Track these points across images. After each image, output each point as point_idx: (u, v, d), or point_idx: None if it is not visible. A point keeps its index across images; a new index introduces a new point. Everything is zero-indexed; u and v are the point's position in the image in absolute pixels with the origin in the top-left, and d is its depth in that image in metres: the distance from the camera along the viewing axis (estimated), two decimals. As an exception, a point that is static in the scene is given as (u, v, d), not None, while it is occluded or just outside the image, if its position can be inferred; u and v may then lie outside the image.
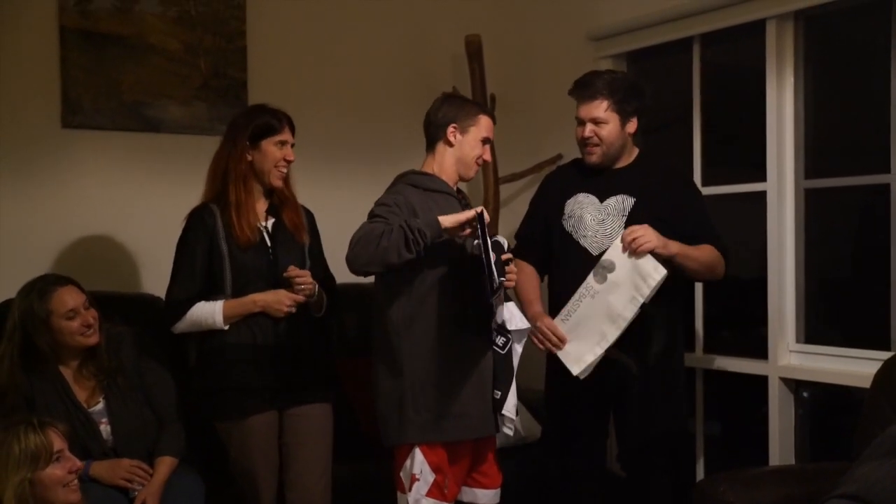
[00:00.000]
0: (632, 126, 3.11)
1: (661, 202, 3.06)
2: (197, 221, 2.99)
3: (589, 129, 3.06)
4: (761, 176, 3.54)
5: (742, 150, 3.77)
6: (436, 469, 2.70)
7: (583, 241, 3.08)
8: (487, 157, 2.90)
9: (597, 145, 3.07)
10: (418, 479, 2.70)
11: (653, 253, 2.90)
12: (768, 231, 3.51)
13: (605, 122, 3.05)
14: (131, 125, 3.69)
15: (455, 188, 2.89)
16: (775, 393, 3.48)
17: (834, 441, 3.49)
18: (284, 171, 3.04)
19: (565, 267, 3.10)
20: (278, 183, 3.03)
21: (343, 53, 4.21)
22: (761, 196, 3.55)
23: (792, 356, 3.50)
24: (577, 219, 3.11)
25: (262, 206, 3.06)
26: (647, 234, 2.88)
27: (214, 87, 3.84)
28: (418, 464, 2.70)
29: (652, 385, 3.06)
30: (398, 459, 2.77)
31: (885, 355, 2.99)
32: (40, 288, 2.92)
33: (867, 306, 3.41)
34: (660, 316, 3.05)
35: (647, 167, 3.15)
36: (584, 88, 3.07)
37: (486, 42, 4.16)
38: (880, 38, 3.24)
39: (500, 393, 2.77)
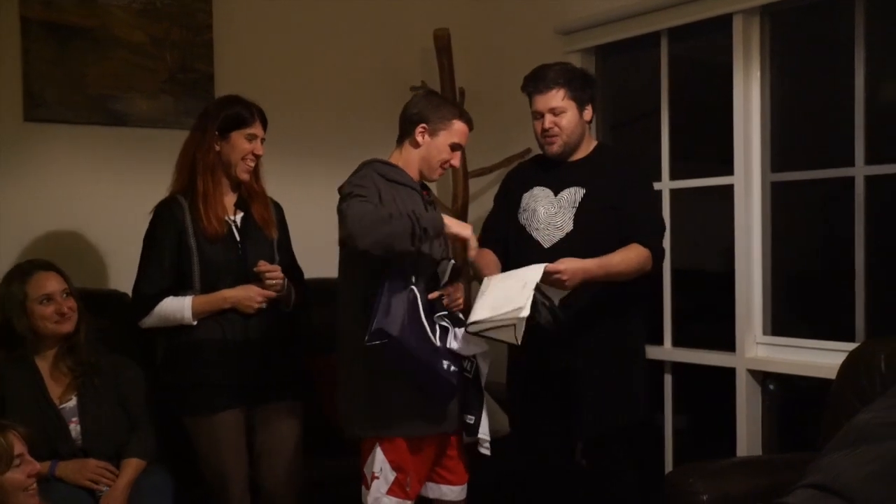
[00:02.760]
0: (588, 114, 3.13)
1: (611, 192, 3.06)
2: (165, 214, 2.95)
3: (549, 119, 3.07)
4: (729, 170, 3.57)
5: (710, 144, 3.80)
6: (396, 468, 2.70)
7: (535, 235, 3.09)
8: (455, 163, 2.87)
9: (557, 135, 3.08)
10: (378, 478, 2.69)
11: None
12: (736, 224, 3.54)
13: (563, 110, 3.06)
14: (96, 119, 3.65)
15: (419, 183, 2.88)
16: (742, 385, 3.51)
17: (801, 432, 3.52)
18: (252, 164, 3.01)
19: (519, 260, 3.07)
20: (245, 177, 3.00)
21: (311, 47, 4.18)
22: (729, 190, 3.57)
23: (759, 348, 3.53)
24: (531, 212, 3.13)
25: (230, 199, 3.04)
26: (570, 273, 2.81)
27: (181, 81, 3.80)
28: (378, 462, 2.70)
29: (607, 377, 3.06)
30: (363, 454, 2.77)
31: (851, 346, 3.03)
32: (24, 270, 2.96)
33: (833, 298, 3.45)
34: (613, 307, 3.06)
35: (602, 158, 3.16)
36: (539, 81, 3.09)
37: (454, 36, 4.15)
38: (844, 34, 3.28)
39: (472, 418, 2.77)
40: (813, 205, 3.58)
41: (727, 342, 3.59)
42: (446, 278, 2.76)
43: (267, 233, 3.05)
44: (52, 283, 2.93)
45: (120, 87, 3.68)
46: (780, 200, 3.53)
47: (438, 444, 2.82)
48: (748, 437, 3.51)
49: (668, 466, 3.84)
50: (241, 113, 2.97)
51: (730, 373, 3.56)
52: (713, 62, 3.71)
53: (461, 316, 2.78)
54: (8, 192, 3.48)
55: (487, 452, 2.82)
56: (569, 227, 3.05)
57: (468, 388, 2.78)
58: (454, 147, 2.84)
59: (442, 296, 2.75)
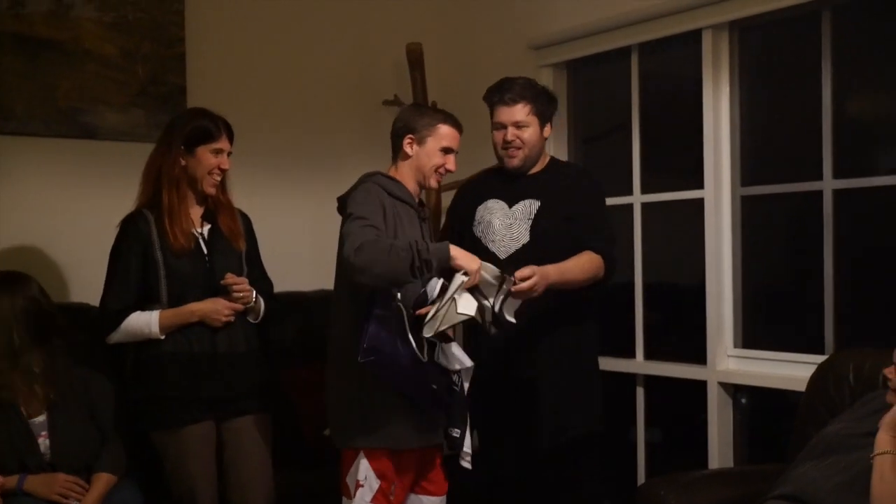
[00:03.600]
0: (547, 131, 3.19)
1: (565, 204, 3.11)
2: (130, 229, 2.93)
3: (511, 132, 3.11)
4: (699, 183, 3.59)
5: (680, 158, 3.82)
6: (381, 476, 2.70)
7: (491, 246, 3.12)
8: (450, 166, 2.89)
9: (519, 149, 3.13)
10: (363, 486, 2.69)
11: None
12: (706, 237, 3.56)
13: (527, 125, 3.11)
14: (67, 132, 3.61)
15: (418, 199, 2.90)
16: (714, 397, 3.53)
17: (772, 444, 3.54)
18: (218, 179, 2.99)
19: None
20: (211, 191, 2.99)
21: (283, 60, 4.18)
22: (699, 203, 3.60)
23: (730, 361, 3.55)
24: (486, 224, 3.16)
25: (196, 212, 3.02)
26: (544, 279, 2.83)
27: (153, 94, 3.78)
28: (363, 470, 2.70)
29: (560, 390, 3.08)
30: (345, 463, 2.76)
31: (820, 359, 3.06)
32: None
33: (802, 311, 3.47)
34: (567, 317, 3.10)
35: (556, 171, 3.22)
36: (505, 93, 3.12)
37: (427, 50, 4.16)
38: (811, 49, 3.32)
39: (458, 431, 2.77)
40: (782, 218, 3.61)
41: (698, 355, 3.61)
42: (435, 294, 2.76)
43: (235, 245, 3.03)
44: None
45: (91, 99, 3.65)
46: (749, 214, 3.56)
47: (422, 456, 2.82)
48: (720, 450, 3.52)
49: (641, 479, 3.85)
50: (207, 127, 2.95)
51: (701, 386, 3.58)
52: (683, 77, 3.74)
53: (449, 332, 2.78)
54: (-24, 205, 3.46)
55: (469, 466, 2.83)
56: (525, 238, 3.09)
57: (454, 402, 2.78)
58: (445, 151, 2.86)
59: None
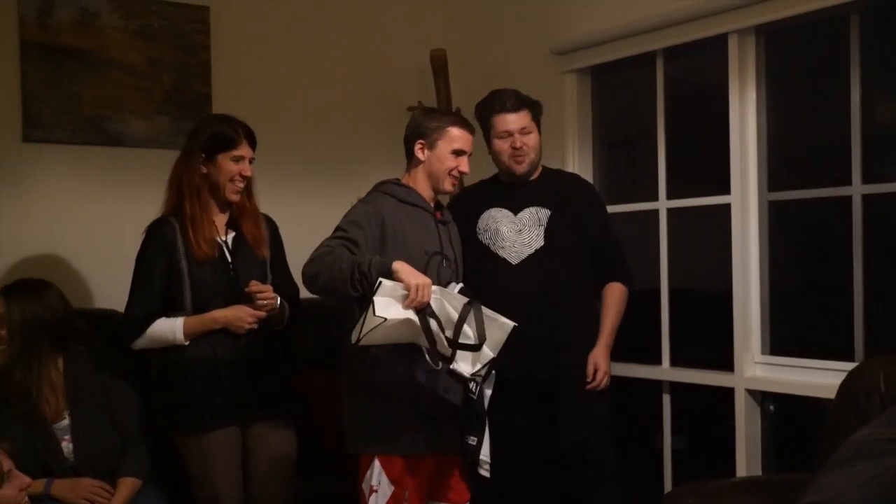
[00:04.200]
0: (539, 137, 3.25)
1: (574, 213, 3.22)
2: (156, 236, 2.95)
3: (519, 139, 3.16)
4: (725, 189, 3.56)
5: (706, 164, 3.79)
6: (394, 481, 2.70)
7: (501, 253, 3.16)
8: (464, 168, 2.89)
9: (526, 154, 3.18)
10: (376, 491, 2.71)
11: None
12: (733, 243, 3.52)
13: (530, 130, 3.18)
14: (92, 139, 3.65)
15: (434, 203, 2.89)
16: (741, 405, 3.49)
17: (801, 452, 3.50)
18: (241, 185, 2.99)
19: (485, 278, 3.11)
20: (234, 198, 2.99)
21: (307, 67, 4.19)
22: (726, 209, 3.57)
23: (757, 368, 3.51)
24: (493, 232, 3.19)
25: (221, 219, 3.02)
26: (607, 374, 3.17)
27: (178, 101, 3.80)
28: (377, 475, 2.71)
29: (575, 393, 3.12)
30: (361, 469, 2.77)
31: (850, 366, 3.01)
32: None
33: (831, 317, 3.43)
34: (579, 321, 3.16)
35: (556, 180, 3.32)
36: (506, 101, 3.18)
37: (450, 56, 4.16)
38: (839, 52, 3.28)
39: (475, 439, 2.76)
40: (810, 224, 3.57)
41: (725, 362, 3.57)
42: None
43: (259, 251, 3.04)
44: None
45: (116, 107, 3.69)
46: (777, 219, 3.52)
47: (438, 463, 2.82)
48: (747, 458, 3.48)
49: (668, 487, 3.82)
50: (226, 134, 2.95)
51: (728, 393, 3.54)
52: (709, 82, 3.71)
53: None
54: (5, 211, 3.48)
55: (487, 474, 2.82)
56: (539, 243, 3.14)
57: (471, 410, 2.77)
58: (457, 153, 2.86)
59: None
